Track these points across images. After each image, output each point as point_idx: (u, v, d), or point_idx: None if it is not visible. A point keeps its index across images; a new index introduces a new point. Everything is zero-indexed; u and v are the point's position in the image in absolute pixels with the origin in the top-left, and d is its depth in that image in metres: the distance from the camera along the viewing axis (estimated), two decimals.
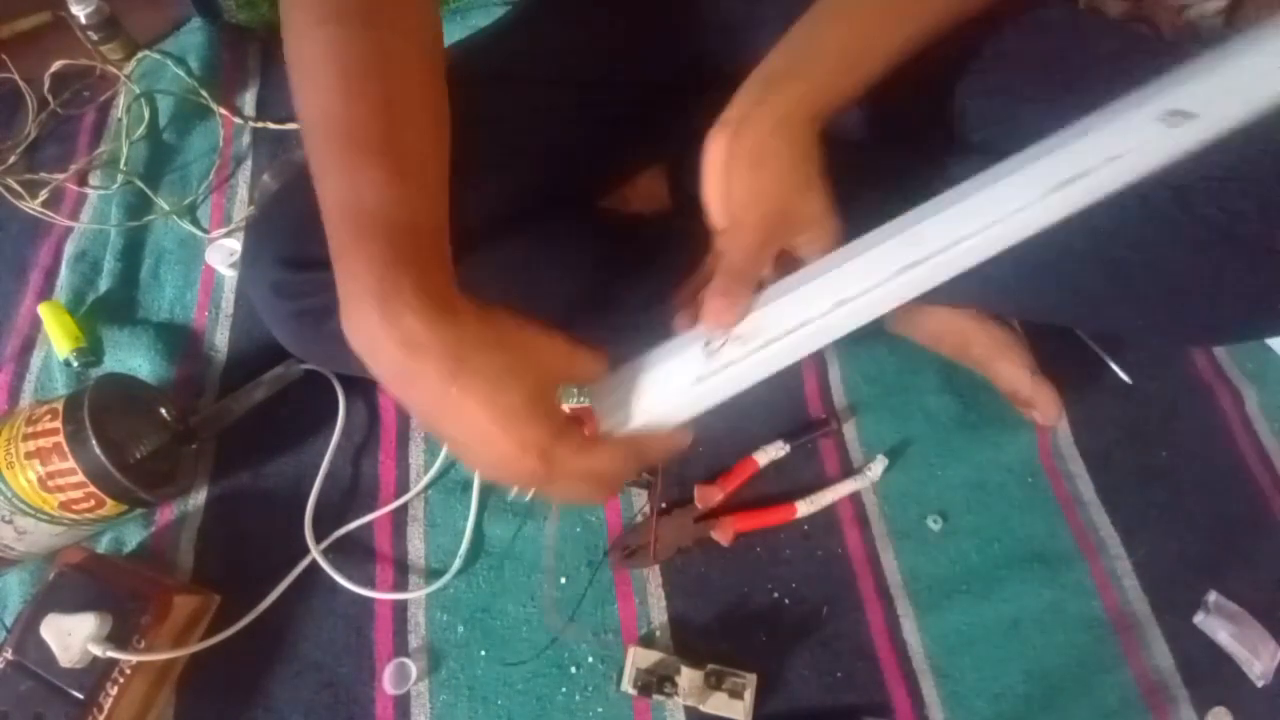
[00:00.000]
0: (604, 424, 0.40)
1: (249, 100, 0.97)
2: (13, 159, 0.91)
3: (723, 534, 0.66)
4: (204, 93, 0.94)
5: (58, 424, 0.58)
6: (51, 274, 0.82)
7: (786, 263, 0.45)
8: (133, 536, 0.67)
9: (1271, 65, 0.40)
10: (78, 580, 0.58)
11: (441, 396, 0.35)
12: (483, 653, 0.63)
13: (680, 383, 0.40)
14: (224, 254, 0.81)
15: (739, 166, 0.44)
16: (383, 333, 0.35)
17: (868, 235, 0.41)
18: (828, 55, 0.46)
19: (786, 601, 0.65)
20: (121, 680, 0.55)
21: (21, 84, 0.96)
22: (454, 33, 0.99)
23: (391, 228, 0.36)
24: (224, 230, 0.85)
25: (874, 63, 0.47)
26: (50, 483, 0.57)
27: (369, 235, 0.35)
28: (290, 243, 0.55)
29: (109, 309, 0.79)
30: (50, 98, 0.95)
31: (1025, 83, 0.61)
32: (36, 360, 0.77)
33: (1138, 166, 0.39)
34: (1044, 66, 0.61)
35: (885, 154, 0.65)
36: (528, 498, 0.39)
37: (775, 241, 0.44)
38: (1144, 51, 0.63)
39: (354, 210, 0.36)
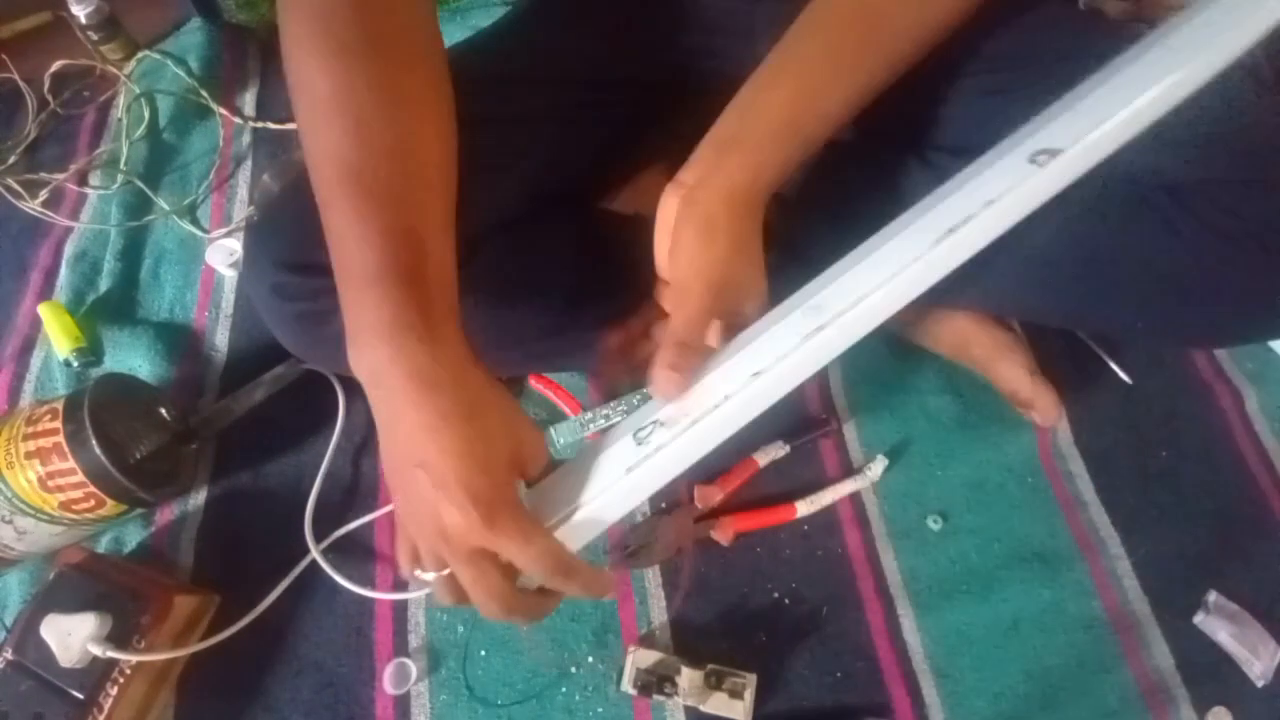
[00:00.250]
0: (544, 523, 0.40)
1: (249, 100, 0.97)
2: (13, 159, 0.91)
3: (723, 534, 0.66)
4: (204, 93, 0.94)
5: (58, 424, 0.58)
6: (51, 274, 0.82)
7: (730, 331, 0.45)
8: (133, 536, 0.67)
9: (1121, 97, 0.43)
10: (78, 580, 0.58)
11: (433, 429, 0.36)
12: (483, 653, 0.63)
13: (613, 474, 0.40)
14: (224, 254, 0.81)
15: (688, 233, 0.45)
16: (392, 365, 0.36)
17: (778, 307, 0.43)
18: (776, 120, 0.47)
19: (786, 601, 0.65)
20: (121, 680, 0.55)
21: (21, 84, 0.96)
22: (454, 33, 0.99)
23: (401, 277, 0.37)
24: (224, 230, 0.85)
25: (822, 124, 0.48)
26: (50, 483, 0.57)
27: (379, 281, 0.37)
28: (291, 245, 0.55)
29: (109, 309, 0.79)
30: (50, 98, 0.96)
31: (1022, 83, 0.61)
32: (36, 360, 0.77)
33: (1015, 207, 0.42)
34: (1041, 67, 0.61)
35: (883, 155, 0.65)
36: (447, 601, 0.39)
37: (719, 311, 0.44)
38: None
39: (363, 257, 0.37)
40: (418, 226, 0.39)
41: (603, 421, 0.68)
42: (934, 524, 0.69)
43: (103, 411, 0.58)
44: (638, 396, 0.69)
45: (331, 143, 0.39)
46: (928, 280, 0.41)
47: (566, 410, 0.72)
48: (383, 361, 0.37)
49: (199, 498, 0.69)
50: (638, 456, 0.40)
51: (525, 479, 0.41)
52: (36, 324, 0.78)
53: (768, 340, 0.41)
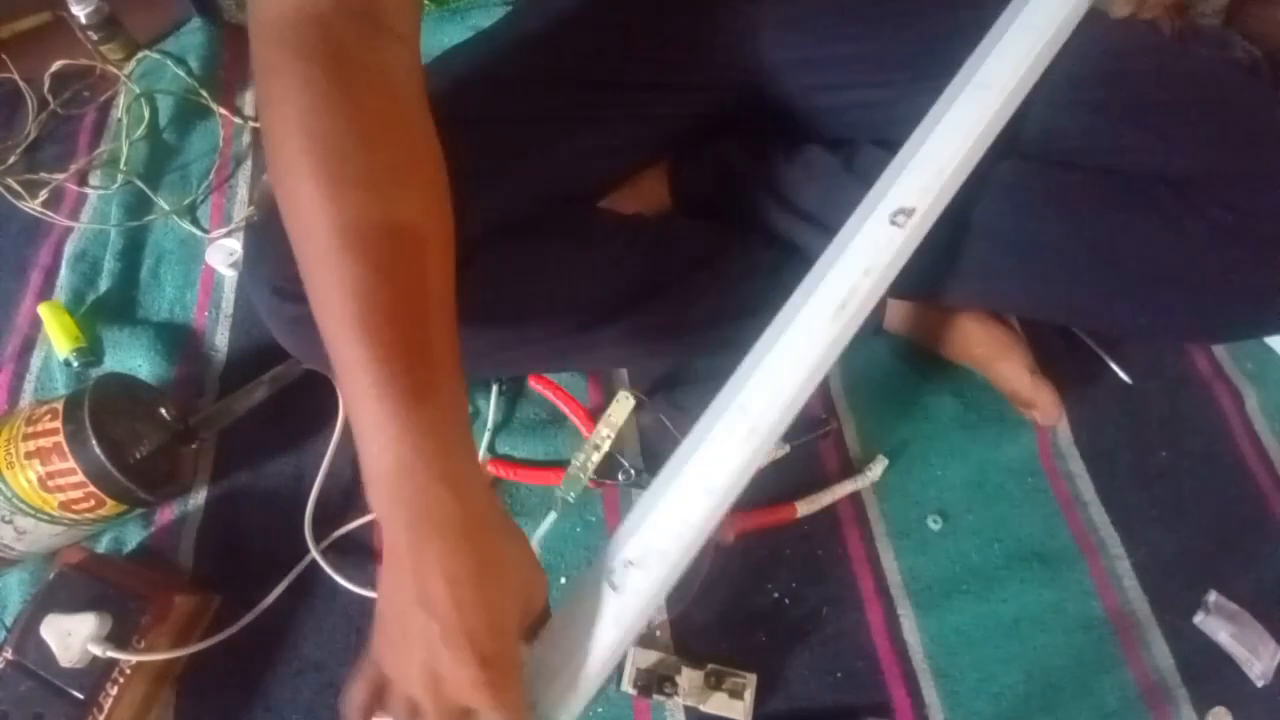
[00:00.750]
0: (543, 701, 0.39)
1: (249, 100, 0.97)
2: (13, 159, 0.91)
3: (723, 534, 0.66)
4: (204, 93, 0.94)
5: (58, 424, 0.58)
6: (51, 274, 0.82)
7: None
8: (133, 536, 0.67)
9: (960, 141, 0.47)
10: (78, 580, 0.58)
11: (453, 583, 0.34)
12: None
13: (606, 633, 0.39)
14: (224, 254, 0.81)
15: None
16: (419, 517, 0.35)
17: (704, 417, 0.43)
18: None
19: (786, 601, 0.65)
20: (121, 680, 0.55)
21: (21, 84, 0.96)
22: (454, 33, 0.99)
23: (420, 423, 0.35)
24: (224, 230, 0.85)
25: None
26: (50, 483, 0.57)
27: (394, 420, 0.35)
28: (291, 246, 0.55)
29: (109, 309, 0.79)
30: (50, 98, 0.96)
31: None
32: (36, 360, 0.77)
33: (889, 268, 0.45)
34: (1046, 67, 0.61)
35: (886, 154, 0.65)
36: None
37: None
38: (1146, 52, 0.63)
39: (375, 400, 0.35)
40: (430, 348, 0.37)
41: (597, 456, 0.68)
42: (934, 524, 0.69)
43: (103, 411, 0.58)
44: (619, 406, 0.70)
45: (337, 280, 0.37)
46: (834, 355, 0.44)
47: (566, 410, 0.72)
48: (407, 512, 0.35)
49: (199, 498, 0.69)
50: (621, 607, 0.39)
51: (528, 624, 0.39)
52: (36, 324, 0.78)
53: (708, 454, 0.42)
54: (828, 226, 0.67)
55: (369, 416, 0.35)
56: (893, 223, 0.45)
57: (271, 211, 0.60)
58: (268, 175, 0.41)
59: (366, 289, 0.36)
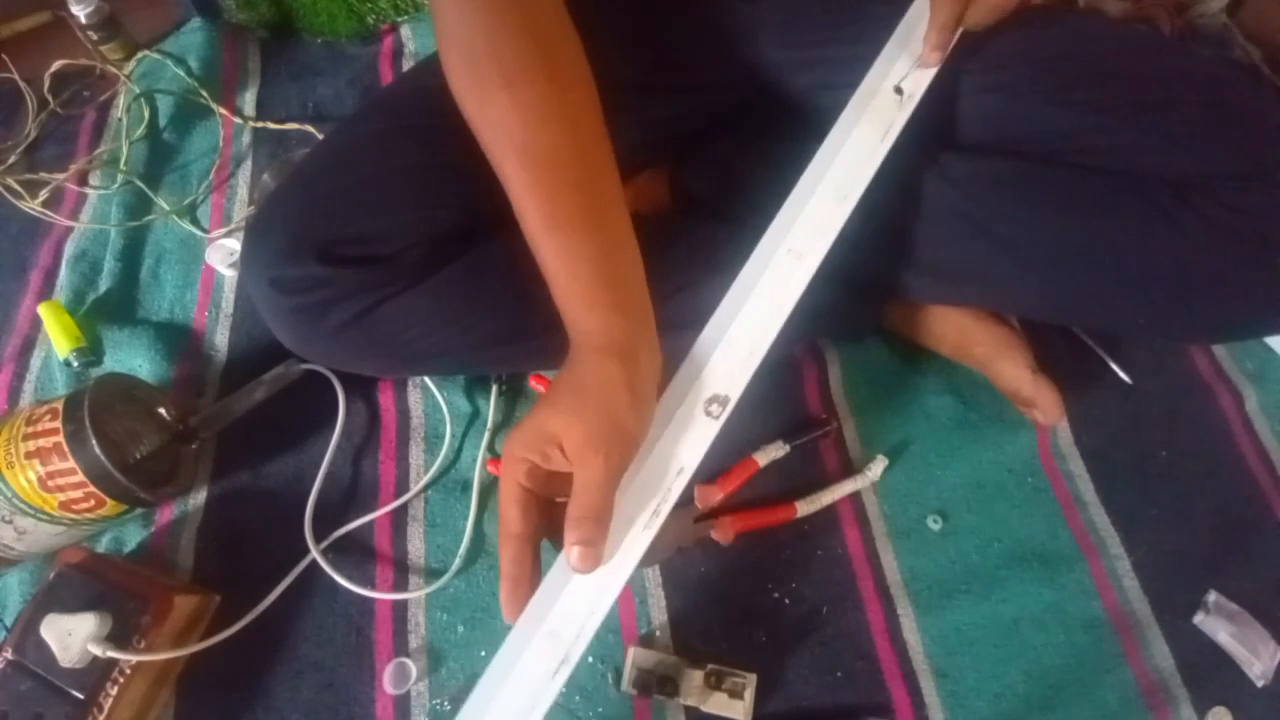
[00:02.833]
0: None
1: (249, 100, 0.97)
2: (13, 159, 0.91)
3: (723, 534, 0.66)
4: (204, 93, 0.94)
5: (58, 424, 0.58)
6: (51, 274, 0.82)
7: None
8: (133, 536, 0.67)
9: (770, 316, 0.48)
10: (78, 580, 0.58)
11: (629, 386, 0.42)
12: (483, 653, 0.63)
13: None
14: (224, 254, 0.81)
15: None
16: (581, 328, 0.44)
17: (507, 645, 0.41)
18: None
19: (786, 601, 0.65)
20: (121, 680, 0.55)
21: (21, 84, 0.96)
22: None
23: (606, 285, 0.45)
24: (224, 230, 0.85)
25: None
26: (50, 483, 0.57)
27: (592, 293, 0.44)
28: (289, 240, 0.55)
29: (109, 309, 0.79)
30: (50, 98, 0.96)
31: (1023, 82, 0.61)
32: (36, 360, 0.77)
33: (695, 462, 0.45)
34: (1042, 66, 0.61)
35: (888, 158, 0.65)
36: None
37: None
38: (1145, 51, 0.63)
39: (575, 277, 0.45)
40: (591, 182, 0.46)
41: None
42: (934, 524, 0.69)
43: (103, 411, 0.58)
44: None
45: (528, 182, 0.45)
46: (641, 562, 0.43)
47: None
48: (585, 330, 0.44)
49: (199, 498, 0.69)
50: (553, 687, 0.40)
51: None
52: (36, 324, 0.78)
53: (513, 694, 0.40)
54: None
55: (547, 253, 0.45)
56: (707, 413, 0.45)
57: (267, 205, 0.60)
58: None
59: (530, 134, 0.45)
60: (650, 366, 0.44)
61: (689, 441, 0.45)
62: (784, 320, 0.48)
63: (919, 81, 0.56)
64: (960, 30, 0.56)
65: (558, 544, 0.42)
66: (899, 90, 0.56)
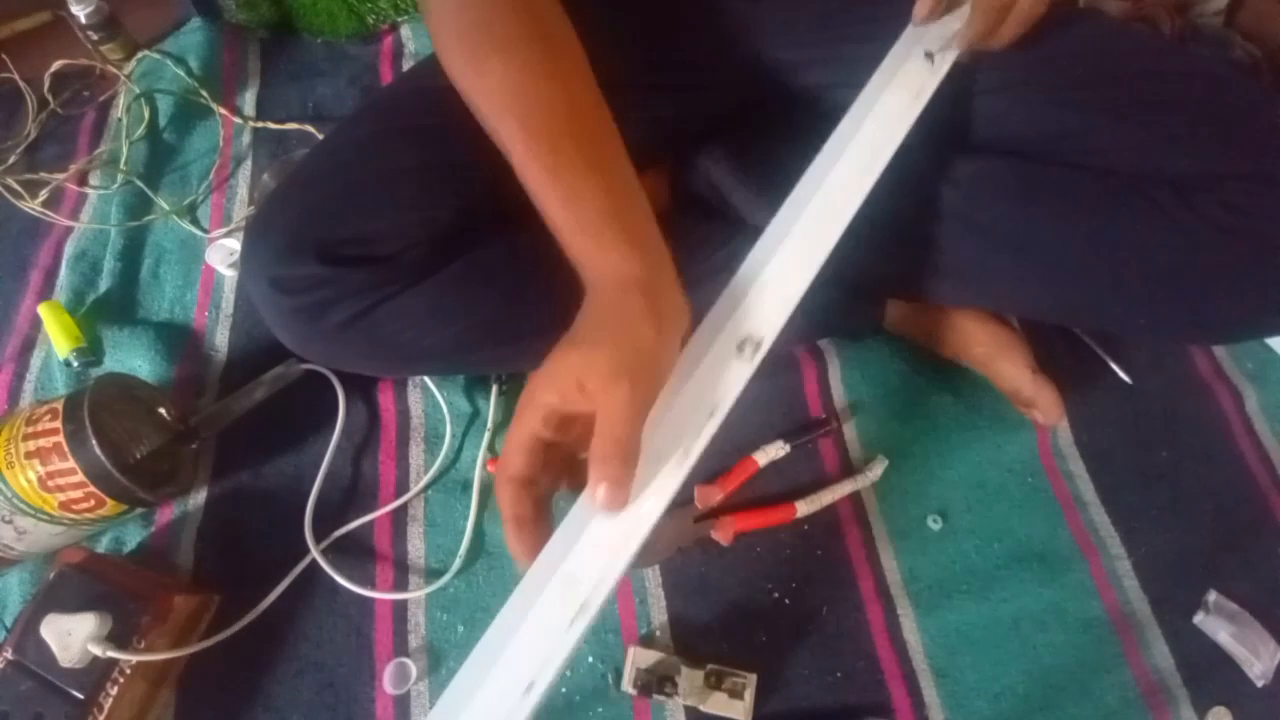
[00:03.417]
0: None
1: (249, 100, 0.97)
2: (13, 159, 0.91)
3: (723, 534, 0.66)
4: (204, 93, 0.94)
5: (58, 424, 0.58)
6: (51, 274, 0.82)
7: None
8: (133, 536, 0.67)
9: (805, 266, 0.47)
10: (78, 580, 0.58)
11: (642, 323, 0.40)
12: None
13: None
14: (224, 254, 0.81)
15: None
16: (592, 264, 0.44)
17: (524, 585, 0.38)
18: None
19: (786, 601, 0.65)
20: (121, 680, 0.55)
21: (21, 84, 0.96)
22: None
23: (611, 221, 0.44)
24: (224, 230, 0.85)
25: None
26: (50, 483, 0.57)
27: (605, 233, 0.44)
28: (289, 240, 0.55)
29: (109, 309, 0.79)
30: (50, 98, 0.95)
31: (1027, 82, 0.61)
32: (36, 360, 0.77)
33: (727, 404, 0.43)
34: (1044, 66, 0.61)
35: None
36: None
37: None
38: (1145, 51, 0.63)
39: (585, 219, 0.44)
40: (617, 190, 0.46)
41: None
42: (934, 524, 0.69)
43: (103, 411, 0.58)
44: None
45: (525, 137, 0.46)
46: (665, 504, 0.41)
47: None
48: (597, 266, 0.43)
49: (199, 498, 0.69)
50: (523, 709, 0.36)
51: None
52: (36, 324, 0.78)
53: (529, 638, 0.37)
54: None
55: (553, 204, 0.45)
56: (739, 352, 0.44)
57: (266, 205, 0.60)
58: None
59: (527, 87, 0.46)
60: (672, 302, 0.43)
61: (721, 382, 0.43)
62: (817, 268, 0.47)
63: (947, 57, 0.57)
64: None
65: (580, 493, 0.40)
66: (929, 55, 0.56)
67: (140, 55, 0.98)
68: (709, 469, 0.70)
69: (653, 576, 0.66)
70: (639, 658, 0.61)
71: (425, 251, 0.56)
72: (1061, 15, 0.64)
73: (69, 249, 0.83)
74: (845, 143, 0.52)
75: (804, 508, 0.68)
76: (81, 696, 0.54)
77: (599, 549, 0.38)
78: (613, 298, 0.42)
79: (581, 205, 0.44)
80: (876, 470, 0.70)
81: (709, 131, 0.73)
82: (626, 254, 0.43)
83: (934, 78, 0.55)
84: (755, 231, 0.51)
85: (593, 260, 0.44)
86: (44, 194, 0.87)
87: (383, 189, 0.57)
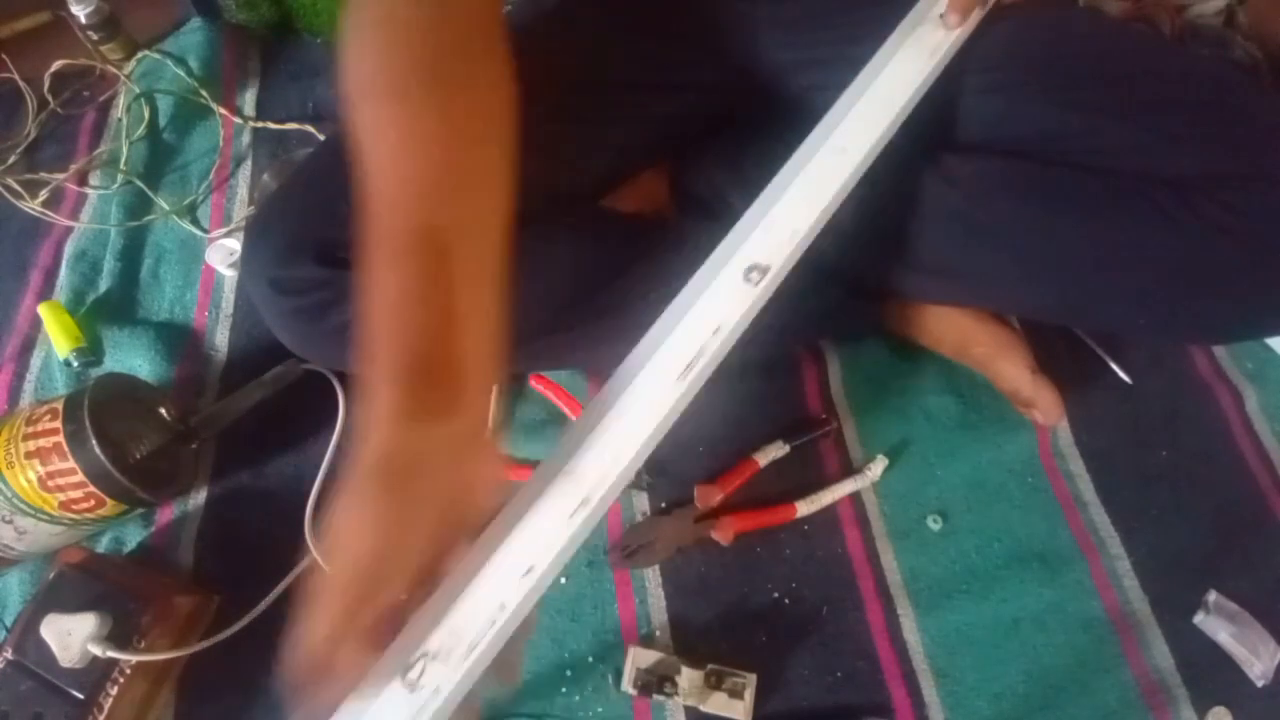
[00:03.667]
0: None
1: (249, 100, 0.97)
2: (13, 159, 0.91)
3: (723, 534, 0.66)
4: (204, 93, 0.94)
5: (58, 424, 0.58)
6: (51, 274, 0.82)
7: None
8: (133, 536, 0.67)
9: (816, 201, 0.47)
10: (78, 580, 0.58)
11: (386, 488, 0.35)
12: None
13: None
14: (224, 254, 0.81)
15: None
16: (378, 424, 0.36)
17: (530, 482, 0.39)
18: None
19: (786, 601, 0.65)
20: (121, 680, 0.55)
21: (21, 84, 0.95)
22: None
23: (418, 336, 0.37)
24: (224, 230, 0.85)
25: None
26: (50, 483, 0.57)
27: (399, 333, 0.37)
28: (288, 241, 0.55)
29: (109, 309, 0.79)
30: (50, 98, 0.95)
31: (1024, 83, 0.61)
32: (36, 360, 0.77)
33: (737, 327, 0.44)
34: (1042, 67, 0.61)
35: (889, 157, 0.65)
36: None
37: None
38: (1145, 52, 0.63)
39: (396, 311, 0.38)
40: (461, 284, 0.39)
41: None
42: (934, 524, 0.69)
43: (103, 411, 0.58)
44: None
45: (387, 196, 0.40)
46: (675, 415, 0.42)
47: (566, 410, 0.72)
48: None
49: (199, 498, 0.69)
50: (416, 706, 0.34)
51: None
52: (36, 324, 0.78)
53: (532, 527, 0.38)
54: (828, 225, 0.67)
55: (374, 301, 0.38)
56: (747, 279, 0.45)
57: (266, 205, 0.60)
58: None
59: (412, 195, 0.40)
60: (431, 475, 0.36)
61: (727, 303, 0.44)
62: (826, 204, 0.48)
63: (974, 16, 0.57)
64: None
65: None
66: (944, 18, 0.57)
67: (140, 55, 0.98)
68: (709, 469, 0.70)
69: (653, 576, 0.66)
70: (639, 658, 0.61)
71: None
72: (1061, 15, 0.64)
73: (69, 249, 0.83)
74: (860, 93, 0.53)
75: (804, 508, 0.68)
76: (81, 696, 0.54)
77: (602, 454, 0.40)
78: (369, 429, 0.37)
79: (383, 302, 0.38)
80: (876, 470, 0.70)
81: (708, 132, 0.73)
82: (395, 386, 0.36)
83: (949, 40, 0.56)
84: None
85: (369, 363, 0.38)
86: (44, 194, 0.87)
87: None
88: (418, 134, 0.40)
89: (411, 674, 0.35)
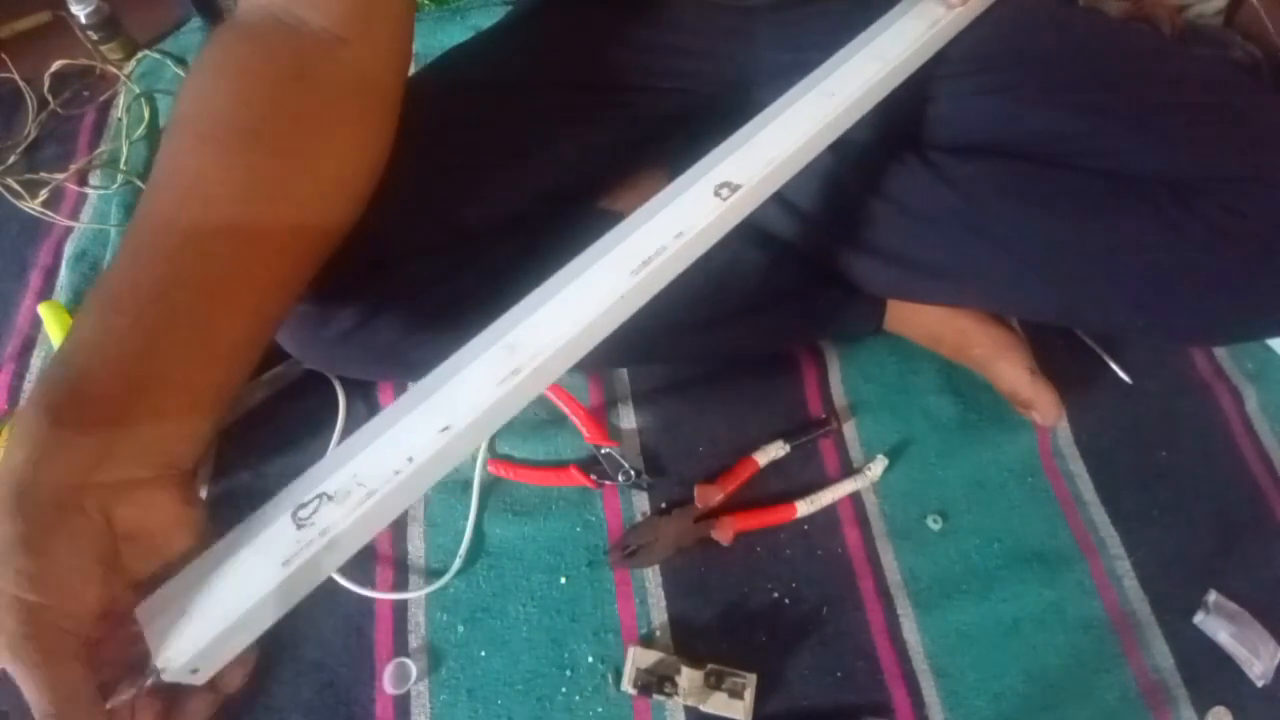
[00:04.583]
0: (160, 655, 0.32)
1: None
2: (13, 159, 0.91)
3: (723, 534, 0.66)
4: None
5: None
6: (51, 274, 0.82)
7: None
8: None
9: (796, 135, 0.48)
10: None
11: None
12: (482, 653, 0.63)
13: (265, 574, 0.33)
14: None
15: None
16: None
17: (465, 348, 0.39)
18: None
19: (786, 601, 0.65)
20: None
21: (21, 84, 0.96)
22: (454, 33, 0.99)
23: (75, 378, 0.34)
24: None
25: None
26: None
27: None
28: None
29: None
30: (50, 98, 0.95)
31: (1019, 83, 0.61)
32: (36, 360, 0.77)
33: (703, 238, 0.44)
34: (1040, 67, 0.61)
35: (885, 157, 0.65)
36: None
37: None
38: (1145, 52, 0.63)
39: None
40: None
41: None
42: (934, 524, 0.69)
43: None
44: None
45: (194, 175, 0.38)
46: (625, 313, 0.42)
47: (566, 410, 0.72)
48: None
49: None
50: (297, 546, 0.33)
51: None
52: (36, 324, 0.78)
53: (457, 387, 0.37)
54: (825, 224, 0.67)
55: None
56: (716, 194, 0.45)
57: None
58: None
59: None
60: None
61: (691, 211, 0.44)
62: (806, 144, 0.49)
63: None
64: None
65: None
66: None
67: (140, 55, 0.98)
68: (709, 469, 0.70)
69: (653, 576, 0.66)
70: (639, 658, 0.61)
71: (426, 261, 0.56)
72: (1061, 16, 0.64)
73: (69, 249, 0.83)
74: (856, 50, 0.54)
75: (804, 508, 0.68)
76: None
77: (542, 331, 0.39)
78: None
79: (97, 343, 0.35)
80: (876, 470, 0.70)
81: (708, 132, 0.73)
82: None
83: (950, 13, 0.56)
84: (755, 231, 0.51)
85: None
86: (44, 194, 0.87)
87: (381, 197, 0.57)
88: (214, 179, 0.38)
89: (303, 512, 0.34)
